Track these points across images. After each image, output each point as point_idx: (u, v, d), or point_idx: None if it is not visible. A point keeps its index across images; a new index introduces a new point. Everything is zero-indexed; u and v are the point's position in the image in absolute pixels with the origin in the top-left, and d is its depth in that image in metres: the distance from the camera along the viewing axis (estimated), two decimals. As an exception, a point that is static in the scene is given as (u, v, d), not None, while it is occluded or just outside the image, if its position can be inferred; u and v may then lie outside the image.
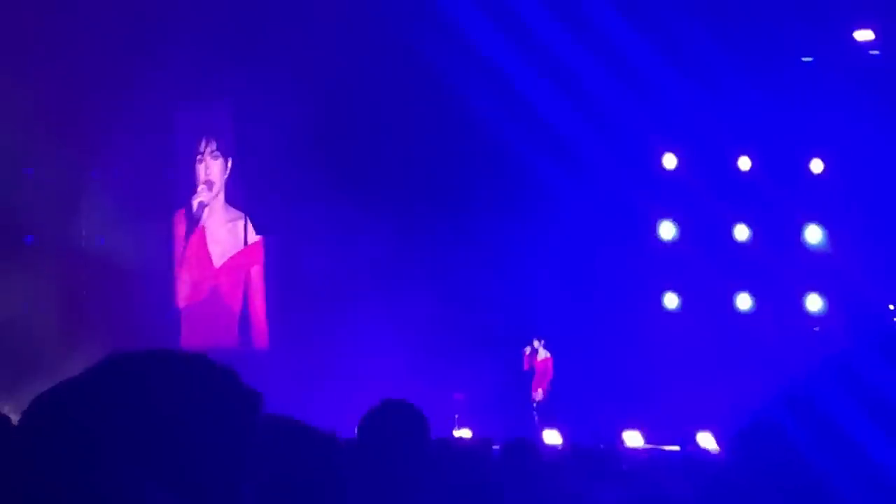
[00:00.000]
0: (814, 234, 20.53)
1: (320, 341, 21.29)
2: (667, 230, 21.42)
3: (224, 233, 23.13)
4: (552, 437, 19.52)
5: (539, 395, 20.42)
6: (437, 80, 20.78)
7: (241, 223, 23.05)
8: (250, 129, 22.47)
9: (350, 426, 4.18)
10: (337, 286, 21.21)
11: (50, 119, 21.02)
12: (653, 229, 21.42)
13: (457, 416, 19.96)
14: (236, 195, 23.23)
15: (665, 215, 21.41)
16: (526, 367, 20.36)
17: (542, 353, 20.34)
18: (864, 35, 19.84)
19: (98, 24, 20.58)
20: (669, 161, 21.31)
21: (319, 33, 20.93)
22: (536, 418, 20.19)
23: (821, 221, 20.51)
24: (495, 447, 11.36)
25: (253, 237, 22.98)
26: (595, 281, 20.83)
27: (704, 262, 20.89)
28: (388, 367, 19.19)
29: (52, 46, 20.68)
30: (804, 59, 20.25)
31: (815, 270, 20.45)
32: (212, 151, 23.11)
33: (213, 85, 22.36)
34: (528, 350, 20.35)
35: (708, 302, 20.96)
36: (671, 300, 21.32)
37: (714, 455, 18.60)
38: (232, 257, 23.07)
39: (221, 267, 23.09)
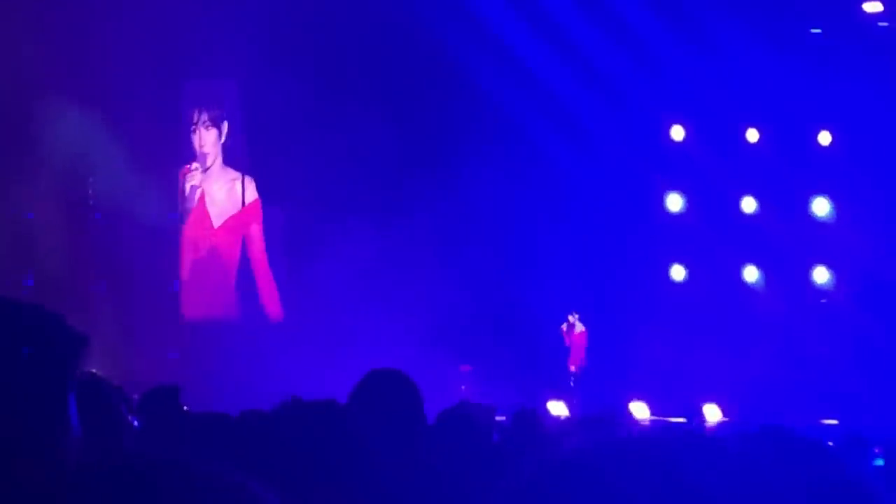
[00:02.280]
0: (821, 207, 20.52)
1: (330, 314, 21.31)
2: (674, 202, 21.41)
3: (223, 194, 23.22)
4: (558, 408, 19.56)
5: (575, 367, 20.38)
6: (443, 56, 20.77)
7: (238, 183, 23.11)
8: (255, 97, 22.45)
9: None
10: (342, 257, 21.21)
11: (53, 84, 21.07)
12: (660, 201, 21.40)
13: (463, 387, 19.99)
14: (240, 161, 23.28)
15: (672, 187, 21.39)
16: (567, 342, 20.28)
17: (579, 327, 20.26)
18: (872, 7, 19.78)
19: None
20: (677, 133, 21.28)
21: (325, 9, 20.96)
22: (573, 387, 20.19)
23: (828, 194, 20.48)
24: (500, 418, 11.41)
25: (252, 197, 23.05)
26: (603, 253, 20.83)
27: (711, 235, 20.89)
28: (400, 342, 19.20)
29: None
30: (812, 30, 20.19)
31: (822, 243, 20.44)
32: (204, 122, 23.14)
33: (220, 60, 22.33)
34: (564, 326, 20.28)
35: (715, 274, 20.96)
36: (678, 272, 21.32)
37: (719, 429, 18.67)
38: (230, 217, 23.17)
39: (220, 227, 23.18)
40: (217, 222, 23.24)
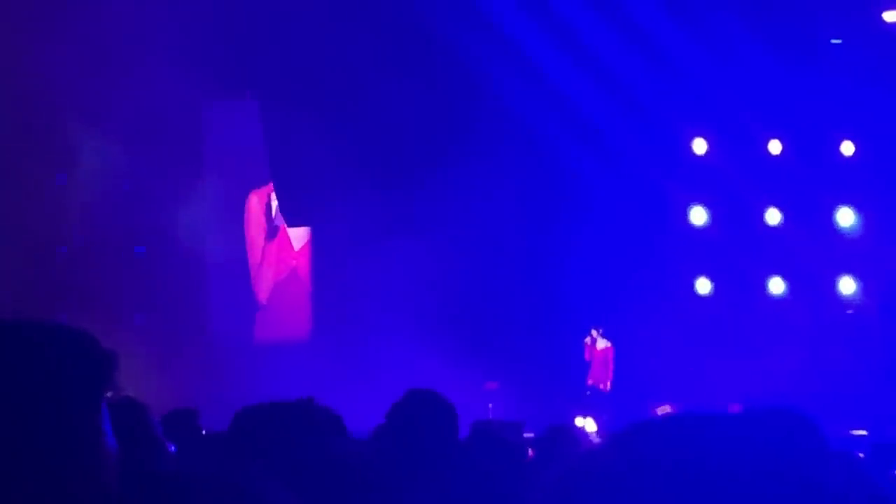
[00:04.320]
0: (845, 217, 20.45)
1: (355, 332, 21.34)
2: (698, 215, 21.37)
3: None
4: (587, 424, 19.51)
5: (601, 384, 20.28)
6: (465, 70, 20.80)
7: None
8: (277, 123, 22.53)
9: (381, 415, 4.20)
10: (369, 277, 21.25)
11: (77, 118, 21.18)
12: (684, 215, 21.37)
13: (490, 405, 19.97)
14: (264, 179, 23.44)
15: (696, 200, 21.35)
16: (587, 357, 20.24)
17: (602, 343, 20.22)
18: (893, 16, 19.73)
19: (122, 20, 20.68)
20: (699, 146, 21.26)
21: (337, 23, 21.00)
22: (590, 404, 20.11)
23: (853, 204, 20.41)
24: (529, 435, 11.39)
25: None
26: (628, 267, 20.79)
27: (736, 247, 20.84)
28: (425, 358, 19.21)
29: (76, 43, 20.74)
30: (833, 41, 20.14)
31: (847, 253, 20.37)
32: None
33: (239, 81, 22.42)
34: (588, 340, 20.25)
35: (741, 286, 20.91)
36: (704, 285, 21.27)
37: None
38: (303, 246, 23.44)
39: (300, 251, 23.47)
40: (297, 245, 23.49)
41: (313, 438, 2.98)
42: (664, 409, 18.73)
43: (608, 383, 20.29)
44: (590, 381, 20.31)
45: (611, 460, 1.43)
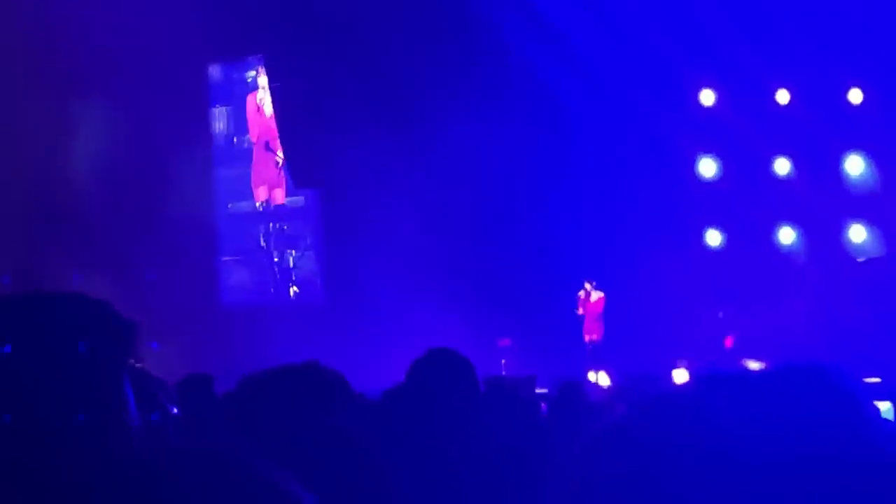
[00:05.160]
0: (855, 165, 20.40)
1: (367, 294, 21.37)
2: (707, 167, 21.33)
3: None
4: (602, 378, 19.53)
5: (594, 336, 20.37)
6: (475, 21, 20.71)
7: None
8: (285, 82, 22.51)
9: (396, 376, 4.22)
10: (379, 237, 21.27)
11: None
12: (692, 166, 21.33)
13: (504, 361, 20.02)
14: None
15: (704, 151, 21.30)
16: (580, 310, 20.31)
17: (595, 295, 20.28)
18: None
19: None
20: (707, 97, 21.18)
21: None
22: (590, 358, 20.15)
23: (863, 150, 20.35)
24: (541, 390, 11.42)
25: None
26: (638, 221, 20.76)
27: (746, 198, 20.80)
28: (437, 315, 19.25)
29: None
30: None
31: (858, 202, 20.32)
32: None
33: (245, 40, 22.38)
34: (581, 293, 20.30)
35: (751, 237, 20.88)
36: (714, 237, 21.25)
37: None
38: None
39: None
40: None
41: (317, 404, 2.98)
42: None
43: (600, 335, 20.34)
44: (586, 336, 20.37)
45: (635, 435, 1.42)
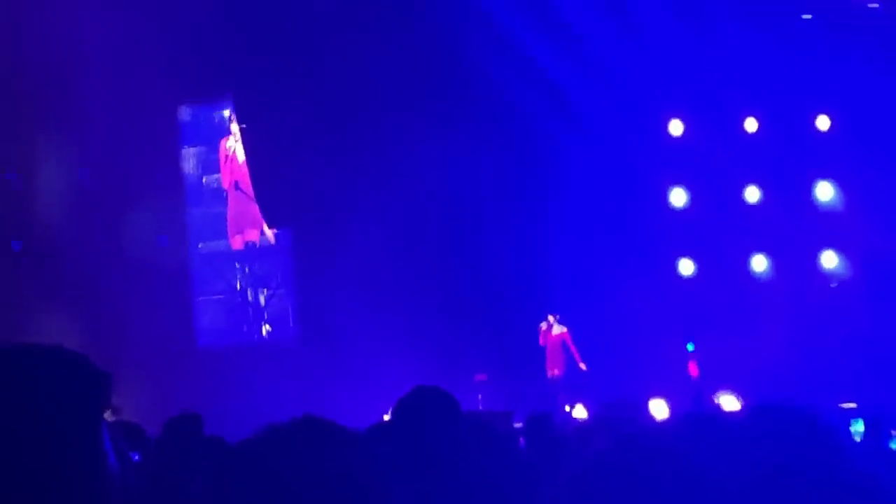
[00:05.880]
0: (825, 191, 20.51)
1: (342, 330, 21.31)
2: (678, 197, 21.40)
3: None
4: (579, 411, 19.48)
5: (555, 371, 20.33)
6: (445, 49, 20.74)
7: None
8: (254, 122, 22.51)
9: (371, 413, 4.22)
10: (351, 274, 21.22)
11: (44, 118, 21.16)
12: (664, 197, 21.39)
13: (480, 396, 19.97)
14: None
15: (675, 182, 21.38)
16: (542, 342, 20.30)
17: (557, 329, 20.25)
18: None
19: (98, 22, 20.61)
20: (676, 127, 21.28)
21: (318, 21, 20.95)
22: (561, 391, 20.10)
23: (831, 177, 20.47)
24: (518, 425, 11.39)
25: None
26: (610, 252, 20.79)
27: (717, 227, 20.87)
28: (410, 350, 19.21)
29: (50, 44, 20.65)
30: (804, 16, 20.18)
31: (828, 227, 20.42)
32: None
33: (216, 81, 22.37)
34: (543, 325, 20.28)
35: (723, 266, 20.93)
36: (686, 266, 21.30)
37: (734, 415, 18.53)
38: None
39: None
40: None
41: (317, 454, 2.96)
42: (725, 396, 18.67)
43: (562, 369, 20.27)
44: (548, 371, 20.30)
45: (615, 472, 1.42)
